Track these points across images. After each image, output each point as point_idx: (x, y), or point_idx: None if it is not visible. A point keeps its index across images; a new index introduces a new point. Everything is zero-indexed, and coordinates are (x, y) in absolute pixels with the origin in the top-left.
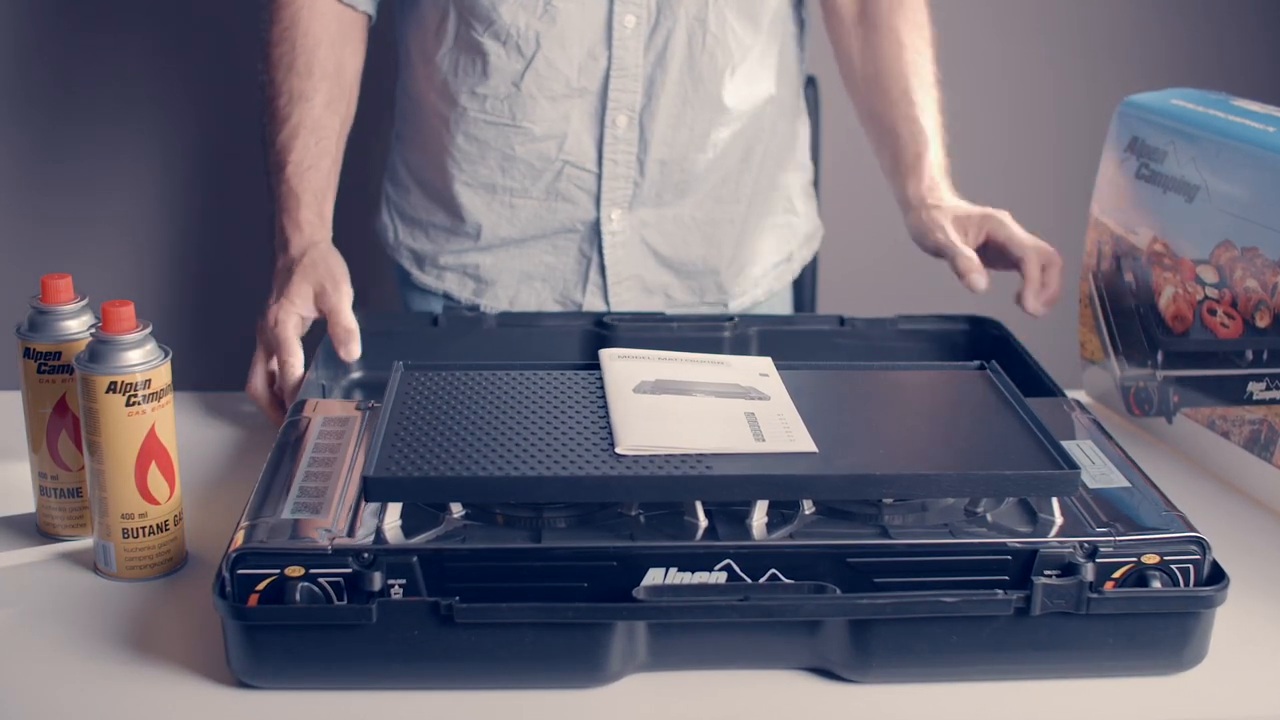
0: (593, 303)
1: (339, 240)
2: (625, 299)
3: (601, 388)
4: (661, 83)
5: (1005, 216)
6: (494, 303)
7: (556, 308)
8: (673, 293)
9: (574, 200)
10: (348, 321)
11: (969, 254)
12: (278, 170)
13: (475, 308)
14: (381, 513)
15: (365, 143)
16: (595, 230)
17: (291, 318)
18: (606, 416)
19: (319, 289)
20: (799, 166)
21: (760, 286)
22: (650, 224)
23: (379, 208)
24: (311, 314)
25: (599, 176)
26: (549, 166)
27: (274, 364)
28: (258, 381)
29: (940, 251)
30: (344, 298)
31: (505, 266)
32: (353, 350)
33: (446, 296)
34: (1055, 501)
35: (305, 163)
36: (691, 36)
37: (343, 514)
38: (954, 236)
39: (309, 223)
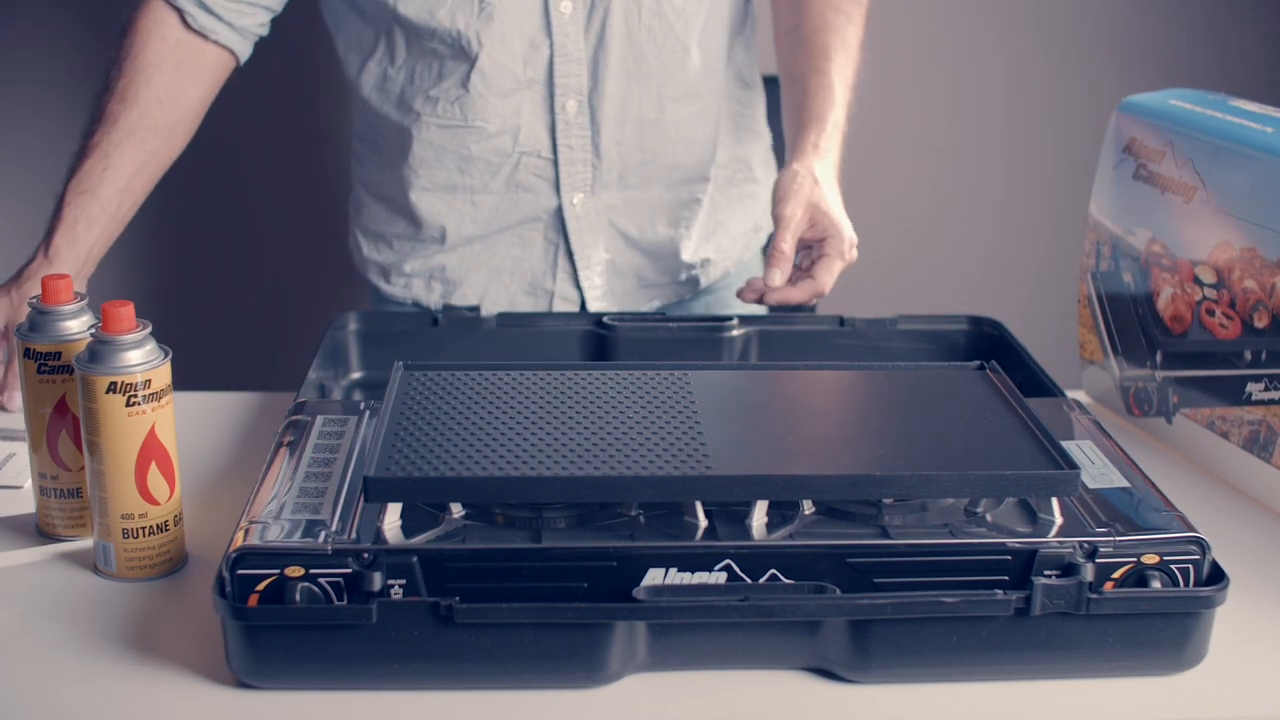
0: (564, 289)
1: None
2: (596, 283)
3: (601, 388)
4: (605, 64)
5: (844, 249)
6: (463, 302)
7: (527, 299)
8: (644, 274)
9: (534, 190)
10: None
11: (786, 252)
12: (64, 184)
13: (475, 308)
14: (381, 513)
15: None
16: (559, 216)
17: None
18: (605, 417)
19: (10, 317)
20: (757, 136)
21: (729, 257)
22: (618, 207)
23: (348, 230)
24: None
25: (555, 163)
26: (506, 160)
27: None
28: None
29: (775, 220)
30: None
31: (472, 264)
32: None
33: (415, 304)
34: (1055, 501)
35: (84, 185)
36: (628, 15)
37: (343, 514)
38: (796, 222)
39: (57, 251)
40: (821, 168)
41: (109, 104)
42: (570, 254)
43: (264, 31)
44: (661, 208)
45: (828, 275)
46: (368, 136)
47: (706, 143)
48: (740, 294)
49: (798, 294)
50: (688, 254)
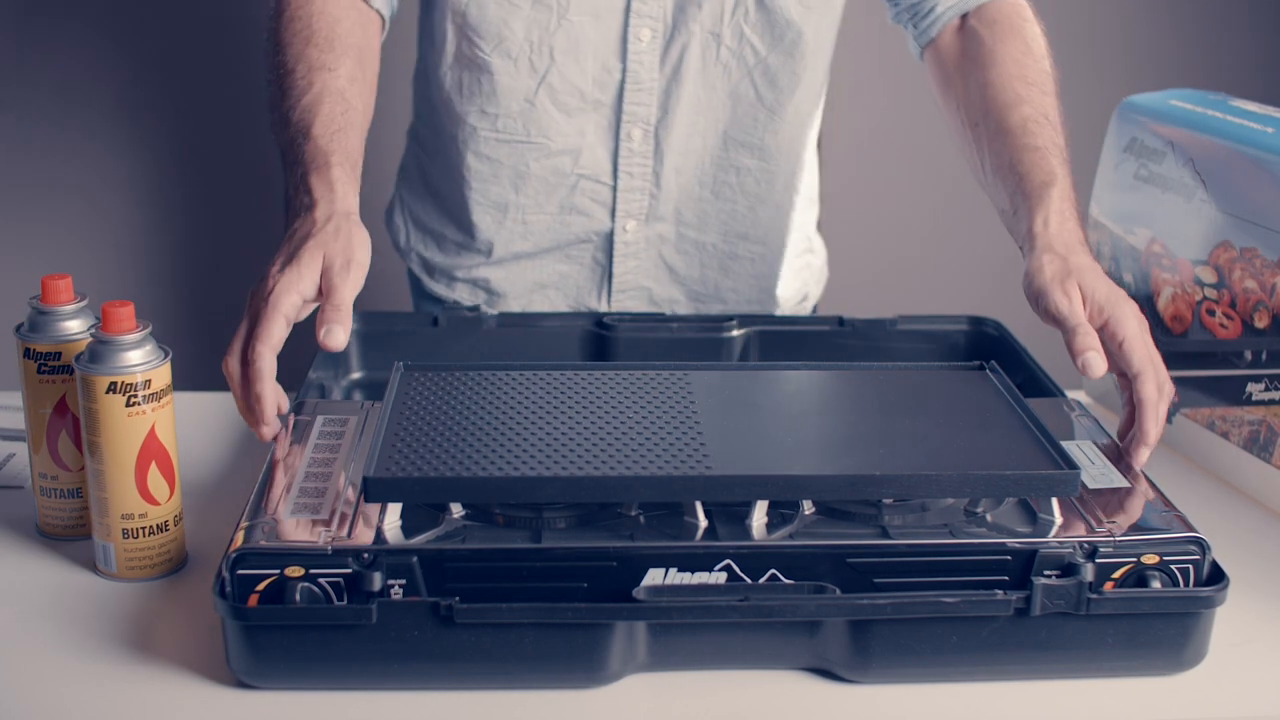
0: (606, 310)
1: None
2: (627, 306)
3: (601, 388)
4: (677, 97)
5: (1131, 311)
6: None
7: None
8: (678, 310)
9: (589, 213)
10: (340, 302)
11: (1089, 329)
12: (301, 133)
13: (476, 308)
14: (381, 513)
15: (377, 128)
16: (609, 239)
17: (290, 293)
18: (605, 417)
19: (328, 264)
20: (812, 202)
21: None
22: (669, 240)
23: (391, 202)
24: (313, 293)
25: (614, 189)
26: (564, 181)
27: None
28: (234, 359)
29: (1053, 319)
30: (349, 282)
31: (517, 279)
32: (335, 335)
33: (457, 305)
34: (1055, 501)
35: (334, 125)
36: (705, 51)
37: (343, 514)
38: (1079, 307)
39: (341, 183)
40: (1063, 243)
41: (313, 52)
42: (611, 276)
43: None
44: (713, 253)
45: (1166, 411)
46: (431, 122)
47: (766, 204)
48: (1130, 448)
49: (1151, 422)
50: (727, 305)
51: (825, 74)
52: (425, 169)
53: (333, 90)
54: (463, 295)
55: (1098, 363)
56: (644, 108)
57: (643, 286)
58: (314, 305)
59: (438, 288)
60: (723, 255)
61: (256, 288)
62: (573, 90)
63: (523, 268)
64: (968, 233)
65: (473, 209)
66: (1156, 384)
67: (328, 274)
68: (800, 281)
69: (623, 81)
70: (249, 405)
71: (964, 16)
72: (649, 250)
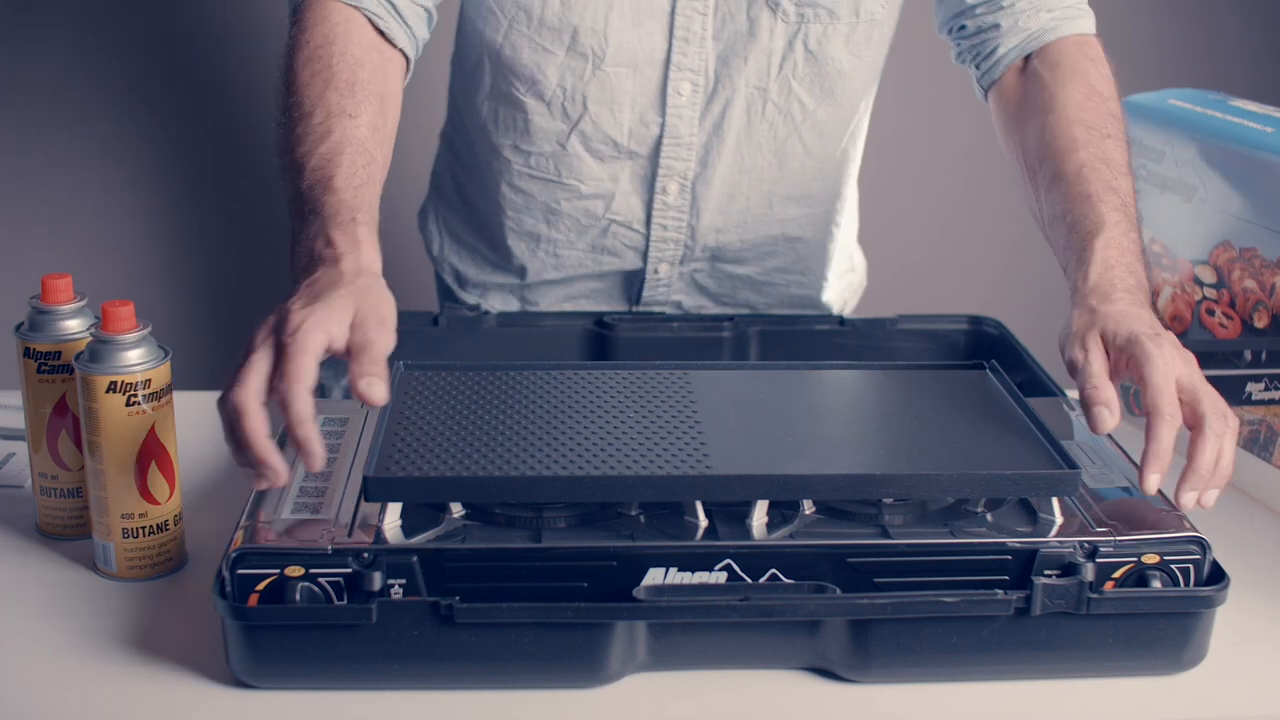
0: None
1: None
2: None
3: (601, 388)
4: (718, 152)
5: (1155, 350)
6: None
7: None
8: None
9: (620, 254)
10: (379, 356)
11: (1100, 384)
12: (320, 183)
13: (476, 308)
14: (381, 513)
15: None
16: (641, 275)
17: (319, 331)
18: (605, 416)
19: (362, 318)
20: (854, 220)
21: None
22: (703, 271)
23: (424, 208)
24: (342, 341)
25: (647, 237)
26: (595, 223)
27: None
28: (249, 392)
29: (1072, 370)
30: (384, 339)
31: (550, 294)
32: (377, 388)
33: (459, 305)
34: (1055, 501)
35: (357, 179)
36: (750, 106)
37: (343, 514)
38: (1094, 358)
39: (368, 243)
40: (1099, 293)
41: (332, 96)
42: (642, 295)
43: (427, 36)
44: (746, 279)
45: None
46: (467, 140)
47: (807, 243)
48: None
49: (1152, 463)
50: (757, 312)
51: (868, 112)
52: (460, 181)
53: (354, 140)
54: (495, 304)
55: (1105, 419)
56: (682, 162)
57: (673, 300)
58: (333, 350)
59: (470, 298)
60: (757, 281)
61: (274, 323)
62: (606, 139)
63: (555, 288)
64: (969, 233)
65: (507, 234)
66: (1172, 428)
67: (363, 328)
68: (841, 301)
69: (660, 135)
70: (300, 443)
71: (1027, 58)
72: (682, 280)
